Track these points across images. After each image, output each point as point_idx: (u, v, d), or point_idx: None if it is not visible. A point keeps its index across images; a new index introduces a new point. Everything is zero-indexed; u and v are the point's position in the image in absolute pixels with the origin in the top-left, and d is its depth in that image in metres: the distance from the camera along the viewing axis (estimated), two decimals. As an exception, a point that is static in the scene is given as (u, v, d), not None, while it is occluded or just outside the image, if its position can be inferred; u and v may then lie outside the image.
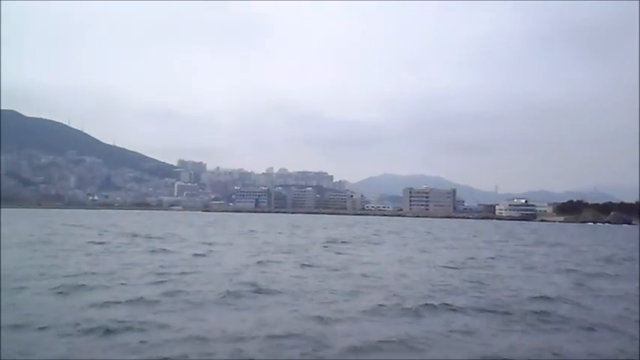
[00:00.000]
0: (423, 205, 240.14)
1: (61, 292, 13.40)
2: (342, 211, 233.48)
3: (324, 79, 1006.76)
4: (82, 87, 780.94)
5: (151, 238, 37.81)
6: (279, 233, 50.35)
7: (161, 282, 15.62)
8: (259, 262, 21.74)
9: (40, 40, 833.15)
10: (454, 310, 12.47)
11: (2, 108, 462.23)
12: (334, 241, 37.85)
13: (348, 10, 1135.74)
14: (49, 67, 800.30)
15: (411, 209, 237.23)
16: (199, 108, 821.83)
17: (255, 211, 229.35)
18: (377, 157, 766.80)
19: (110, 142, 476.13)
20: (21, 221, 68.73)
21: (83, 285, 14.52)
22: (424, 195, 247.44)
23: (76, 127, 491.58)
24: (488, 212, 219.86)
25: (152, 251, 25.98)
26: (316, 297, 13.76)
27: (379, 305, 12.66)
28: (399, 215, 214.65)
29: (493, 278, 18.83)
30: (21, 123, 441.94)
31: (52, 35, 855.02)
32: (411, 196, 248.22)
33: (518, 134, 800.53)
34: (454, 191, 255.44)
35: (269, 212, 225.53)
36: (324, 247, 32.42)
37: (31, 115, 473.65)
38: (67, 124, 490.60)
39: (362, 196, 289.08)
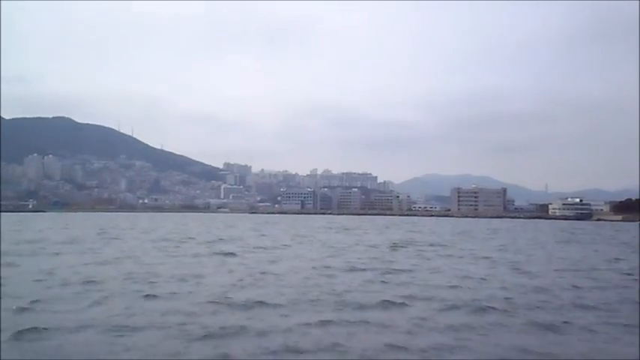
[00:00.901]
0: (471, 205, 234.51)
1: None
2: (388, 212, 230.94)
3: (368, 80, 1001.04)
4: (131, 93, 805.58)
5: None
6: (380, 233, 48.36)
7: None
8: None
9: (91, 50, 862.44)
10: None
11: (56, 115, 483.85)
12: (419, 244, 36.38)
13: (389, 11, 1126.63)
14: (100, 75, 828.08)
15: (459, 209, 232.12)
16: (243, 111, 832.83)
17: (301, 213, 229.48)
18: (421, 157, 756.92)
19: (158, 147, 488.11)
20: (98, 224, 70.30)
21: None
22: (473, 195, 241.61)
23: (125, 133, 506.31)
24: (540, 212, 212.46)
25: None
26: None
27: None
28: (446, 215, 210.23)
29: None
30: (74, 129, 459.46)
31: (102, 45, 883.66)
32: (459, 196, 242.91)
33: (568, 132, 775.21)
34: (504, 190, 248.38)
35: (314, 214, 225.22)
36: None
37: (84, 122, 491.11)
38: (117, 129, 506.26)
39: (408, 196, 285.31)
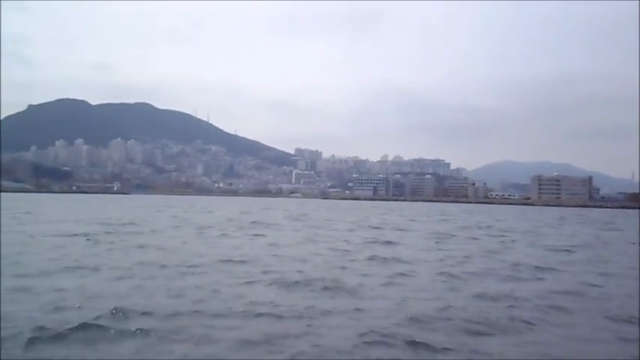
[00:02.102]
0: (553, 193, 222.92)
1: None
2: (463, 200, 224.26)
3: (440, 65, 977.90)
4: (208, 80, 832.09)
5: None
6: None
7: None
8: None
9: (171, 38, 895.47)
10: None
11: (137, 101, 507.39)
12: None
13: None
14: (179, 63, 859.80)
15: (539, 198, 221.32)
16: (316, 97, 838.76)
17: (373, 199, 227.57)
18: (495, 143, 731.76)
19: (232, 132, 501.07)
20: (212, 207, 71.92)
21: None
22: (555, 182, 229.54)
23: (202, 118, 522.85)
24: (631, 201, 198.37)
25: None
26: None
27: None
28: (526, 204, 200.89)
29: None
30: (154, 114, 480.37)
31: (181, 33, 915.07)
32: (540, 184, 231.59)
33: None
34: (590, 178, 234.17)
35: (387, 200, 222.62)
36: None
37: (163, 107, 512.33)
38: (194, 115, 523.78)
39: (484, 184, 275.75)
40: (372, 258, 17.70)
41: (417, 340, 7.77)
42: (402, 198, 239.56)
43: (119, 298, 10.16)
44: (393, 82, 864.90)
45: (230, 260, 16.19)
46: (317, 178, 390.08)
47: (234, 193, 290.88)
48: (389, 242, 24.31)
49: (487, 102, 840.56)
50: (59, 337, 7.57)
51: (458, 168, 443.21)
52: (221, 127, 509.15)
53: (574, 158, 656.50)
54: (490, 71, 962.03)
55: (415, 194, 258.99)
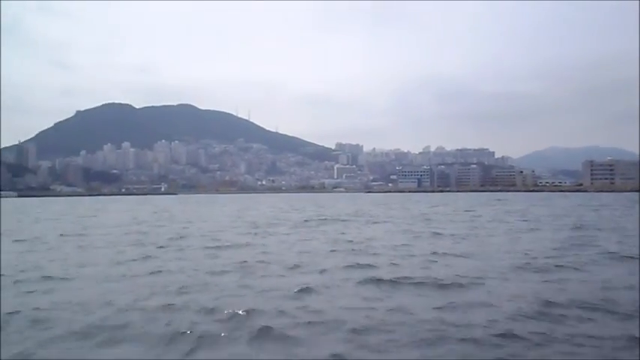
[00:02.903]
0: (607, 178, 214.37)
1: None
2: (511, 189, 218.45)
3: (478, 53, 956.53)
4: (247, 79, 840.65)
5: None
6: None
7: None
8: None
9: (210, 40, 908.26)
10: None
11: (180, 102, 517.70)
12: None
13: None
14: (219, 64, 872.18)
15: (592, 184, 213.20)
16: (354, 91, 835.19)
17: (417, 191, 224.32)
18: (540, 129, 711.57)
19: (273, 129, 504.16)
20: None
21: None
22: (608, 167, 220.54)
23: (243, 117, 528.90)
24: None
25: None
26: None
27: None
28: (578, 191, 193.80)
29: None
30: (197, 115, 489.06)
31: (220, 34, 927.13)
32: (592, 170, 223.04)
33: None
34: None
35: (432, 192, 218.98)
36: None
37: (205, 108, 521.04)
38: (235, 114, 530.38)
39: (532, 171, 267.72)
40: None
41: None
42: (448, 189, 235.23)
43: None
44: (430, 72, 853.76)
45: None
46: (359, 172, 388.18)
47: (278, 190, 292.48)
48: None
49: (529, 87, 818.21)
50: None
51: (503, 156, 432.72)
52: (262, 125, 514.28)
53: (623, 141, 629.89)
54: (531, 56, 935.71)
55: (461, 185, 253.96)
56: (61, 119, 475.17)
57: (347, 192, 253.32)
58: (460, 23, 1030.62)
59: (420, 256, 15.61)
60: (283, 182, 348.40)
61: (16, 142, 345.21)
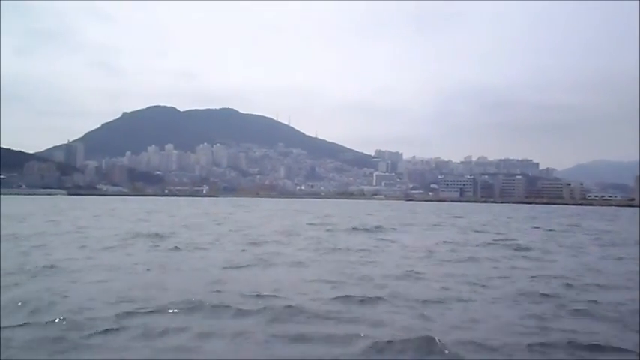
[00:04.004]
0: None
1: None
2: (558, 201, 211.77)
3: (524, 62, 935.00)
4: (288, 84, 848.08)
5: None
6: None
7: None
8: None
9: (253, 44, 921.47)
10: None
11: (222, 106, 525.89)
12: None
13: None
14: (260, 68, 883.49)
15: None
16: (393, 98, 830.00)
17: (459, 201, 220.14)
18: (587, 142, 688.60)
19: (312, 135, 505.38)
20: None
21: None
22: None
23: (283, 122, 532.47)
24: None
25: None
26: None
27: None
28: (629, 206, 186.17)
29: None
30: (238, 119, 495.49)
31: (263, 39, 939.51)
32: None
33: None
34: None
35: (475, 202, 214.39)
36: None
37: (246, 112, 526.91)
38: (275, 119, 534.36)
39: (581, 184, 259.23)
40: None
41: None
42: (491, 200, 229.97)
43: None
44: (472, 81, 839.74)
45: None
46: (398, 179, 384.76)
47: (317, 195, 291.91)
48: None
49: (575, 98, 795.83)
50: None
51: (547, 168, 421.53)
52: (302, 130, 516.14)
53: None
54: (577, 66, 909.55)
55: (505, 196, 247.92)
56: (108, 120, 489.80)
57: (386, 200, 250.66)
58: (505, 32, 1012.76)
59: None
60: (322, 188, 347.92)
61: (65, 142, 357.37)
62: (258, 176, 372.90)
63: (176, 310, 9.31)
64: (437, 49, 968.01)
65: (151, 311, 9.22)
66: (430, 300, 10.68)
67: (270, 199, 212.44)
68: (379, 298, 10.74)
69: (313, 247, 21.44)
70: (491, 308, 10.22)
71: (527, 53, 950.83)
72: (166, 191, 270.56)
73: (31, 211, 53.03)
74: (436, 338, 7.63)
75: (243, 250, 19.46)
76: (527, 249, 22.06)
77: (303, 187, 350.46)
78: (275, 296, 10.69)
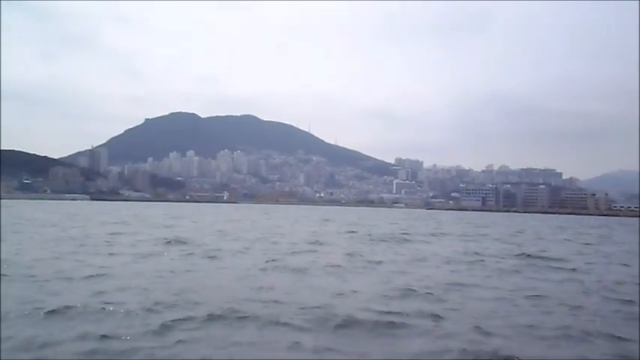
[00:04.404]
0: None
1: None
2: (582, 212, 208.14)
3: (547, 69, 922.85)
4: (307, 91, 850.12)
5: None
6: None
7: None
8: None
9: (273, 51, 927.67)
10: None
11: (243, 113, 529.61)
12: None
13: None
14: (279, 74, 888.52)
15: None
16: (415, 105, 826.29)
17: (482, 210, 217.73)
18: (611, 151, 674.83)
19: (332, 142, 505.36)
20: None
21: None
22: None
23: (303, 129, 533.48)
24: None
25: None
26: None
27: None
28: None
29: None
30: (258, 126, 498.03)
31: (282, 46, 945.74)
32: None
33: None
34: None
35: (497, 211, 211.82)
36: None
37: (266, 119, 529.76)
38: (295, 125, 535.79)
39: (606, 194, 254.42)
40: None
41: None
42: (514, 209, 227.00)
43: None
44: (494, 88, 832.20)
45: None
46: (418, 188, 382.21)
47: (337, 202, 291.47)
48: None
49: (599, 106, 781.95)
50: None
51: (571, 178, 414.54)
52: (321, 138, 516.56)
53: None
54: (604, 73, 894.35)
55: (528, 205, 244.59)
56: (131, 126, 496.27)
57: (407, 208, 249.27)
58: (529, 38, 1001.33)
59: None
60: (342, 195, 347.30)
61: (89, 148, 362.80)
62: (277, 183, 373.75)
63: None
64: (458, 55, 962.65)
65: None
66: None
67: (290, 205, 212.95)
68: (437, 315, 10.46)
69: (355, 256, 21.28)
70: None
71: (550, 60, 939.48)
72: (187, 197, 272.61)
73: (61, 217, 53.68)
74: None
75: (272, 262, 19.11)
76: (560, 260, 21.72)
77: (322, 195, 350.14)
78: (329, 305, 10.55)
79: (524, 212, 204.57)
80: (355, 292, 12.80)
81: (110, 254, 19.48)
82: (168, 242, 24.94)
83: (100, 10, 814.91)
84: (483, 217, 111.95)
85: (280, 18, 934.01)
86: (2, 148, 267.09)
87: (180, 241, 25.46)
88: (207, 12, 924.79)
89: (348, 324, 9.32)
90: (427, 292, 12.85)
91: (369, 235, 35.60)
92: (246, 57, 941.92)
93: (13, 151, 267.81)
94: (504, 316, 10.53)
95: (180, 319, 9.23)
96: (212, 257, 19.41)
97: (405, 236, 34.75)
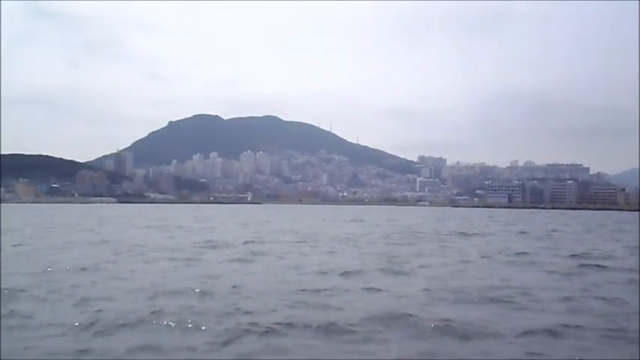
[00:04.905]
0: None
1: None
2: (612, 207, 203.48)
3: (572, 64, 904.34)
4: (328, 90, 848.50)
5: None
6: None
7: None
8: None
9: (290, 50, 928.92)
10: None
11: (265, 114, 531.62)
12: None
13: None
14: (300, 74, 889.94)
15: None
16: (436, 103, 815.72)
17: (509, 207, 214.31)
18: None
19: (354, 141, 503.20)
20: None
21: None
22: None
23: (324, 128, 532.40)
24: None
25: None
26: None
27: None
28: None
29: None
30: (280, 127, 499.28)
31: (303, 46, 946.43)
32: None
33: None
34: None
35: (524, 208, 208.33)
36: None
37: (288, 119, 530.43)
38: (317, 125, 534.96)
39: (638, 189, 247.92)
40: None
41: None
42: (541, 206, 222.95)
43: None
44: (517, 84, 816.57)
45: None
46: (442, 185, 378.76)
47: (360, 202, 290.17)
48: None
49: (627, 100, 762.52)
50: None
51: (598, 173, 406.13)
52: (343, 137, 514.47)
53: None
54: (631, 67, 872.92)
55: (555, 201, 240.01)
56: (155, 129, 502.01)
57: (431, 206, 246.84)
58: (552, 32, 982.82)
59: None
60: (365, 194, 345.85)
61: (115, 151, 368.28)
62: (300, 183, 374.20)
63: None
64: (479, 52, 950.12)
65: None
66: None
67: (314, 205, 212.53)
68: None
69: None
70: None
71: (574, 55, 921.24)
72: (211, 198, 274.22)
73: (98, 221, 54.00)
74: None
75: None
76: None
77: (345, 194, 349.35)
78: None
79: (552, 208, 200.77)
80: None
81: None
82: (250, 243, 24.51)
83: (123, 15, 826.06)
84: (517, 214, 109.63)
85: (300, 18, 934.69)
86: (30, 153, 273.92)
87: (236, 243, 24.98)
88: (226, 14, 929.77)
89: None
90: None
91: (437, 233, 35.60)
92: (266, 58, 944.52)
93: (41, 155, 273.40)
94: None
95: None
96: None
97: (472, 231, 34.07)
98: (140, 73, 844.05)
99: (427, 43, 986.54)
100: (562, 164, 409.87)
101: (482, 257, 21.04)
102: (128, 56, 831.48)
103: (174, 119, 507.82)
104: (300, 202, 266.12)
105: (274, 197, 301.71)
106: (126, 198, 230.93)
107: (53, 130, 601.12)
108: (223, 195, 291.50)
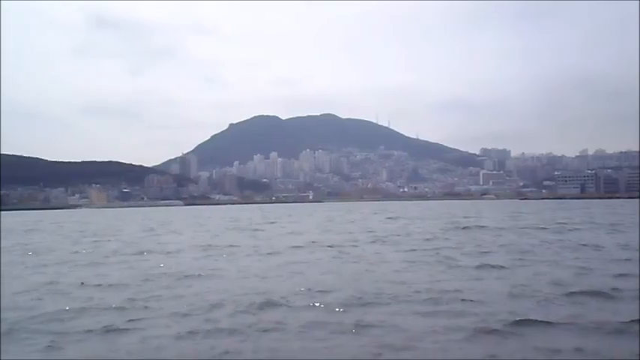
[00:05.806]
0: None
1: None
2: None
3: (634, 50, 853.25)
4: (385, 85, 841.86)
5: None
6: None
7: None
8: None
9: (343, 46, 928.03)
10: None
11: (322, 112, 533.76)
12: None
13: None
14: (355, 70, 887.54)
15: None
16: (496, 92, 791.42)
17: (582, 198, 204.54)
18: None
19: (413, 136, 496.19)
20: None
21: None
22: None
23: (383, 124, 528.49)
24: None
25: None
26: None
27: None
28: None
29: None
30: (338, 124, 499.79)
31: (357, 42, 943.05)
32: None
33: None
34: None
35: (599, 198, 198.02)
36: None
37: (345, 117, 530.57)
38: (375, 121, 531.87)
39: None
40: None
41: None
42: (617, 195, 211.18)
43: None
44: (582, 71, 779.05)
45: None
46: (507, 178, 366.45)
47: (422, 197, 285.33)
48: None
49: None
50: None
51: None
52: (402, 132, 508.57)
53: None
54: None
55: (632, 191, 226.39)
56: (217, 132, 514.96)
57: (497, 199, 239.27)
58: (612, 18, 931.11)
59: None
60: (427, 189, 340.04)
61: (180, 155, 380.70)
62: (360, 180, 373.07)
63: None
64: (541, 38, 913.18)
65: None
66: None
67: (377, 202, 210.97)
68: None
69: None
70: None
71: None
72: (273, 198, 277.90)
73: (183, 224, 55.28)
74: None
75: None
76: None
77: (406, 189, 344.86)
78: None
79: (629, 198, 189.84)
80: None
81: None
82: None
83: (180, 21, 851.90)
84: (608, 205, 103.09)
85: (351, 14, 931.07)
86: (101, 160, 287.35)
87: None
88: (281, 14, 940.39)
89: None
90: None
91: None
92: (321, 56, 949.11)
93: (111, 162, 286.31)
94: None
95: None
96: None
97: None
98: (200, 77, 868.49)
99: (486, 30, 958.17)
100: (636, 151, 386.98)
101: None
102: (188, 61, 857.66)
103: (234, 121, 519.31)
104: (362, 199, 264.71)
105: (335, 195, 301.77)
106: (192, 200, 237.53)
107: (120, 137, 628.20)
108: (285, 194, 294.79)
